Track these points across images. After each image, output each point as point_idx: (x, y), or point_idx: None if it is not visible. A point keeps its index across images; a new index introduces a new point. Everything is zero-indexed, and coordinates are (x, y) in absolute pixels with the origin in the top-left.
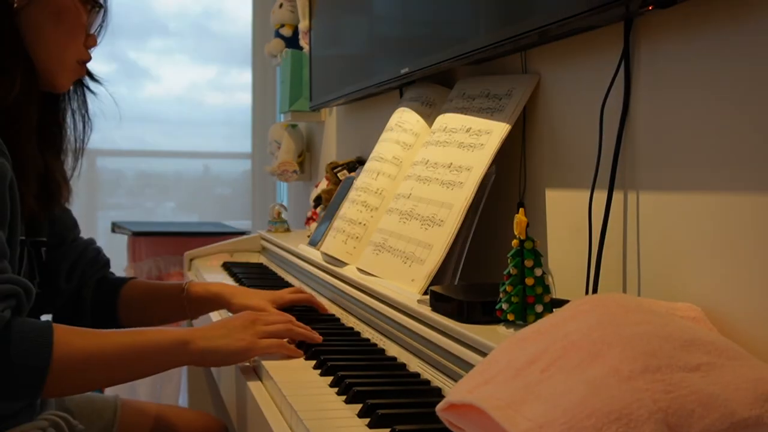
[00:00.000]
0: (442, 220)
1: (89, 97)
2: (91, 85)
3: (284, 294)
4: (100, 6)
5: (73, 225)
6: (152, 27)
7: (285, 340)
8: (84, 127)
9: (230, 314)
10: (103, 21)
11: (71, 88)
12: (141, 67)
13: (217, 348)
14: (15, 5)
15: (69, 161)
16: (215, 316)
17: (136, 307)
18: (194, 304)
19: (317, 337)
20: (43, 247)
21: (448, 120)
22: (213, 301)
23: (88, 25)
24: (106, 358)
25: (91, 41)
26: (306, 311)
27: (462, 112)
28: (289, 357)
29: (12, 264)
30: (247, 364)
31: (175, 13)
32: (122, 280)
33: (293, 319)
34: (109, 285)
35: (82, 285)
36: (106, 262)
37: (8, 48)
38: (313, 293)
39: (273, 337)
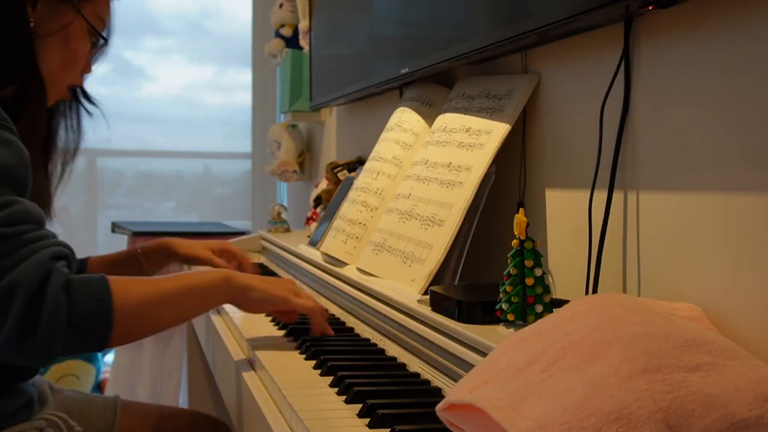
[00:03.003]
0: (442, 220)
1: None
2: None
3: (222, 243)
4: (105, 41)
5: None
6: (148, 26)
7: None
8: (77, 142)
9: (180, 265)
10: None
11: (68, 104)
12: (137, 67)
13: (257, 287)
14: (32, 24)
15: (57, 170)
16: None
17: None
18: (149, 258)
19: (330, 332)
20: None
21: (448, 120)
22: (162, 250)
23: (90, 55)
24: (161, 301)
25: (87, 69)
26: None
27: (462, 112)
28: (317, 327)
29: None
30: (250, 370)
31: (171, 13)
32: (84, 261)
33: (324, 310)
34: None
35: None
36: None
37: (28, 62)
38: (313, 293)
39: (300, 309)
